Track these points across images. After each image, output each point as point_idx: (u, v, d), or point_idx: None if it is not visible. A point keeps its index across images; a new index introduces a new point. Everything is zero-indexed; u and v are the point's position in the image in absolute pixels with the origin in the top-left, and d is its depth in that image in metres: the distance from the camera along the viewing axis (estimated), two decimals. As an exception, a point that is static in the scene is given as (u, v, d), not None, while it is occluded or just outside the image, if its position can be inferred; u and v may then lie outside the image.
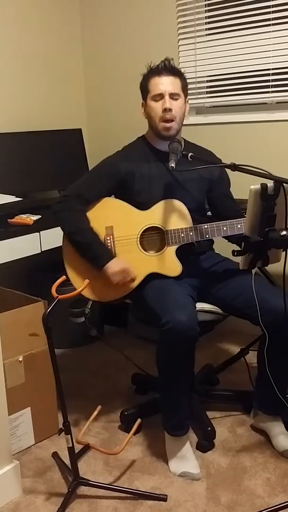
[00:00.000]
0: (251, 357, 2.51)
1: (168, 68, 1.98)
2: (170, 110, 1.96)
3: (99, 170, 2.10)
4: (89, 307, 2.21)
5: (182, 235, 2.00)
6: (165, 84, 1.96)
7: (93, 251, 1.98)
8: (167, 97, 1.96)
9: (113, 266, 1.96)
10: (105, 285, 2.01)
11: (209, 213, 2.23)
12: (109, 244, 2.03)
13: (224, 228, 1.98)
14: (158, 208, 2.03)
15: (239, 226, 1.96)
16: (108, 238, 2.03)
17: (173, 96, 1.97)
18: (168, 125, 1.98)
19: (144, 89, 2.03)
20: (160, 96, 1.97)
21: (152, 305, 1.91)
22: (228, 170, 1.78)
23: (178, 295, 1.90)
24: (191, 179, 2.07)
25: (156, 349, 1.91)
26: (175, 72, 2.00)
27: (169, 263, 2.00)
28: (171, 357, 1.86)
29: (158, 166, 2.07)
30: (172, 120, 1.98)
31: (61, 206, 2.05)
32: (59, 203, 2.06)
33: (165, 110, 1.96)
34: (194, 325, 1.80)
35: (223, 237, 2.03)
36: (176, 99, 1.98)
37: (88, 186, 2.07)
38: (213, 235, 1.99)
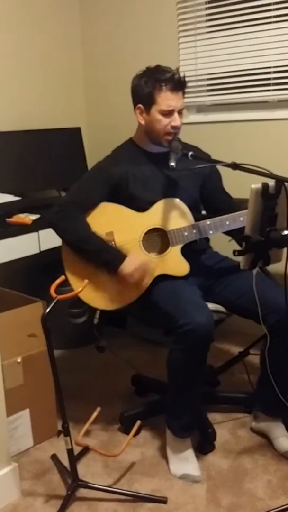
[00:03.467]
0: (251, 358, 2.50)
1: (182, 84, 1.94)
2: (179, 127, 1.97)
3: (92, 176, 2.06)
4: (98, 317, 2.14)
5: (186, 233, 1.98)
6: (177, 100, 1.93)
7: (102, 257, 1.94)
8: (176, 114, 1.95)
9: (127, 267, 1.91)
10: (112, 293, 1.98)
11: (203, 211, 2.20)
12: None
13: (227, 223, 1.96)
14: (157, 209, 2.00)
15: (241, 219, 1.94)
16: (110, 244, 1.99)
17: (180, 111, 1.96)
18: (172, 137, 1.97)
19: (148, 97, 1.93)
20: (170, 112, 1.94)
21: (165, 307, 1.88)
22: (228, 169, 1.77)
23: (192, 295, 1.89)
24: (185, 176, 2.04)
25: (170, 350, 1.87)
26: (185, 86, 1.96)
27: (176, 263, 1.98)
28: (187, 358, 1.82)
29: (150, 168, 2.05)
30: (176, 134, 1.98)
31: (58, 216, 2.00)
32: (57, 214, 2.00)
33: (175, 127, 1.95)
34: (212, 326, 1.80)
35: (227, 234, 2.01)
36: (181, 113, 1.97)
37: (83, 193, 2.03)
38: (216, 230, 1.97)
